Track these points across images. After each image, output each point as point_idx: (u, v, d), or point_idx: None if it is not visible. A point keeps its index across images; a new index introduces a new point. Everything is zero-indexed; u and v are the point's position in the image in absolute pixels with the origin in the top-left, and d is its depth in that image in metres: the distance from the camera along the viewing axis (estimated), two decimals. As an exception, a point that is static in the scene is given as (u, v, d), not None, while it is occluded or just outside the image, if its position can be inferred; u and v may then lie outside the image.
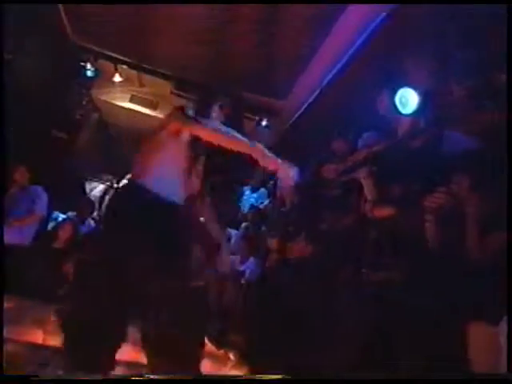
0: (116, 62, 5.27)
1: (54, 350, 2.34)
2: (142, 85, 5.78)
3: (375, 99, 2.70)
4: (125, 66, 5.37)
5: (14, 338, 2.44)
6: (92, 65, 5.12)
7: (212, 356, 3.32)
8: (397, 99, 2.39)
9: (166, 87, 5.65)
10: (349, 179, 2.97)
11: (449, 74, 2.38)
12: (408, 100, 2.36)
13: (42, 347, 2.53)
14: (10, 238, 3.49)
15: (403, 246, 2.21)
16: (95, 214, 5.05)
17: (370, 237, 2.57)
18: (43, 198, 4.04)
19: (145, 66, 5.34)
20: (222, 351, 3.44)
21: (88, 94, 5.61)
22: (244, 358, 3.17)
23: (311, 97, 4.96)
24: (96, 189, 5.46)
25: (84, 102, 5.67)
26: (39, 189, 4.04)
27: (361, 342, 2.14)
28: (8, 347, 2.16)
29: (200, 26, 4.39)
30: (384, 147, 2.56)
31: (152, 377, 1.69)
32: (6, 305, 2.35)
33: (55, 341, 2.41)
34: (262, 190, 5.90)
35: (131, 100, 5.87)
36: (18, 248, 3.68)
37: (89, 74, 5.15)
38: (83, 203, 4.85)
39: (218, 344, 3.50)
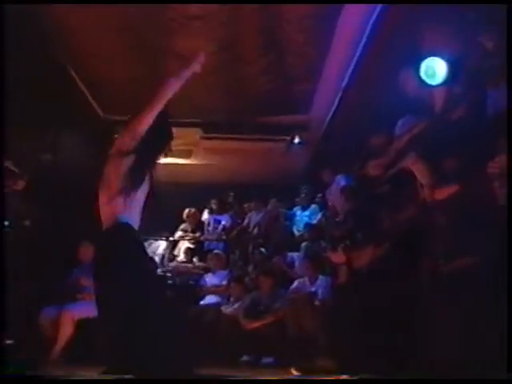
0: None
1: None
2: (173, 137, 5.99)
3: (400, 82, 2.58)
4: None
5: None
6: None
7: (305, 386, 3.19)
8: (422, 73, 2.26)
9: (195, 134, 5.83)
10: (397, 170, 2.82)
11: (471, 31, 2.21)
12: (435, 70, 2.21)
13: None
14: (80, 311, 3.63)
15: (476, 224, 2.02)
16: (159, 270, 5.17)
17: (437, 223, 2.39)
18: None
19: (171, 120, 5.55)
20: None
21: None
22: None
23: (335, 101, 4.88)
24: (157, 247, 5.63)
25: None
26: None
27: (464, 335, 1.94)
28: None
29: (207, 66, 4.52)
30: (424, 126, 2.41)
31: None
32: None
33: None
34: (313, 206, 5.79)
35: (166, 155, 6.08)
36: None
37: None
38: (147, 263, 4.98)
39: (307, 372, 3.36)
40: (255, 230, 5.73)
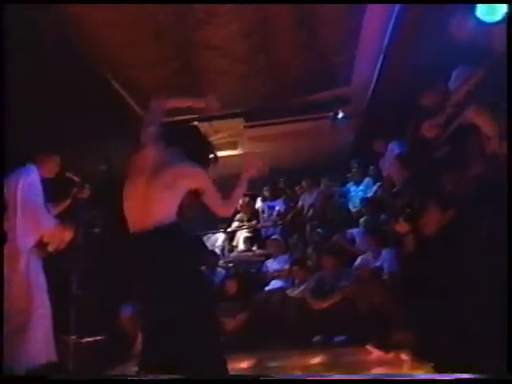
0: (187, 121, 5.63)
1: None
2: (216, 131, 6.06)
3: (449, 31, 2.37)
4: (196, 123, 5.70)
5: None
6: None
7: (384, 362, 3.12)
8: (478, 11, 2.04)
9: (238, 124, 5.85)
10: (456, 127, 2.62)
11: None
12: (494, 5, 1.97)
13: None
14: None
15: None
16: (221, 262, 5.30)
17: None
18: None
19: (212, 114, 5.61)
20: (391, 355, 3.21)
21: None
22: (418, 355, 2.90)
23: (376, 67, 4.64)
24: (216, 239, 5.76)
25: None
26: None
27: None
28: None
29: (240, 54, 4.50)
30: (483, 74, 2.20)
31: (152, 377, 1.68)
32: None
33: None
34: (367, 179, 5.60)
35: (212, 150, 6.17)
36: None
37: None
38: (209, 256, 5.12)
39: (385, 348, 3.28)
40: (310, 212, 5.67)
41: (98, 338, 3.33)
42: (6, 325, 2.57)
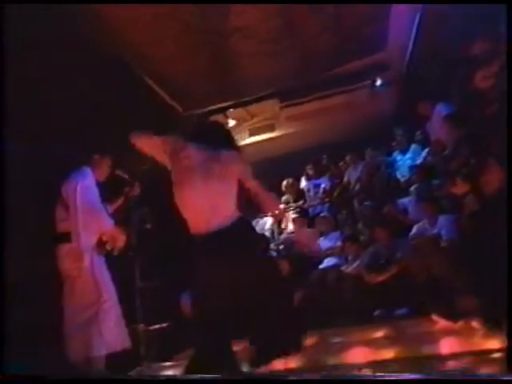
0: (223, 110, 5.65)
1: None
2: (252, 116, 6.05)
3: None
4: (231, 109, 5.71)
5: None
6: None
7: (452, 332, 3.00)
8: None
9: (273, 106, 5.79)
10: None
11: None
12: None
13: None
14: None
15: None
16: (272, 245, 5.32)
17: None
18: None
19: (246, 98, 5.59)
20: (460, 324, 3.08)
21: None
22: (490, 321, 2.76)
23: (413, 26, 4.37)
24: (264, 223, 5.79)
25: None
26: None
27: None
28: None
29: (268, 35, 4.42)
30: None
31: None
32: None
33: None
34: (413, 146, 5.35)
35: (250, 134, 6.18)
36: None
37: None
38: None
39: (452, 317, 3.16)
40: (357, 186, 5.52)
41: (164, 325, 3.50)
42: (77, 318, 2.77)
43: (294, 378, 1.78)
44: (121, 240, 2.90)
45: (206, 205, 1.98)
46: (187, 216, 2.05)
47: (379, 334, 3.40)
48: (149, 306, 3.35)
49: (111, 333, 2.79)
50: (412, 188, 4.71)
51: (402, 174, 5.33)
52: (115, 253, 2.90)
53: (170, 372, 3.06)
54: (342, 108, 5.98)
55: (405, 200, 4.80)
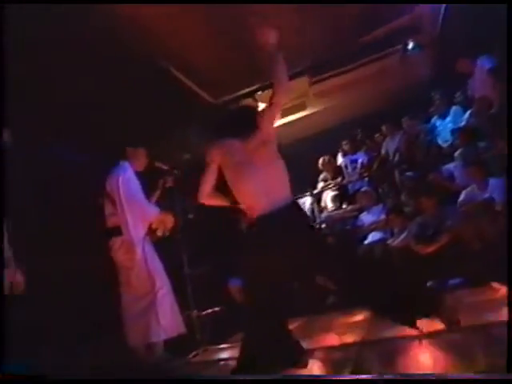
0: (251, 94, 5.59)
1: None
2: (282, 97, 5.94)
3: None
4: (259, 92, 5.64)
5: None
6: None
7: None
8: None
9: (303, 83, 5.65)
10: None
11: None
12: None
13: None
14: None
15: None
16: (315, 224, 5.27)
17: None
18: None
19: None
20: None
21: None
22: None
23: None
24: (304, 203, 5.73)
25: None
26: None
27: None
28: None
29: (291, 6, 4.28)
30: None
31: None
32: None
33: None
34: (454, 108, 5.07)
35: (282, 115, 6.08)
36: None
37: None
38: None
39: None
40: (396, 157, 5.33)
41: (216, 309, 3.58)
42: (134, 307, 2.87)
43: (295, 378, 1.78)
44: (170, 221, 2.99)
45: (263, 192, 2.07)
46: (245, 205, 2.16)
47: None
48: (199, 291, 3.42)
49: (167, 319, 2.88)
50: (456, 153, 4.48)
51: (443, 139, 5.08)
52: (166, 234, 2.98)
53: (225, 355, 3.14)
54: (373, 78, 5.73)
55: (449, 166, 4.58)
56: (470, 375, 1.43)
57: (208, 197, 2.28)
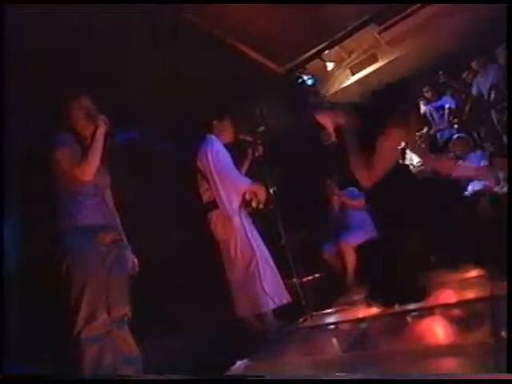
0: (318, 55, 5.32)
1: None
2: (350, 53, 5.60)
3: None
4: (326, 51, 5.35)
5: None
6: (306, 74, 5.34)
7: None
8: None
9: (370, 34, 5.25)
10: None
11: None
12: None
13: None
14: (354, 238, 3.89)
15: None
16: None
17: None
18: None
19: (339, 34, 5.16)
20: None
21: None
22: None
23: None
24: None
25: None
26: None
27: None
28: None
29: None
30: None
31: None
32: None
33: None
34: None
35: (353, 72, 5.74)
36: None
37: (309, 82, 5.34)
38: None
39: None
40: (492, 95, 4.73)
41: (317, 275, 3.52)
42: (238, 278, 2.90)
43: (295, 378, 1.68)
44: (263, 193, 2.96)
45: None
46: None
47: None
48: (296, 260, 3.38)
49: (273, 288, 2.88)
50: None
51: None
52: (261, 206, 2.96)
53: (332, 319, 3.08)
54: (448, 12, 5.12)
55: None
56: (471, 375, 1.36)
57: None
